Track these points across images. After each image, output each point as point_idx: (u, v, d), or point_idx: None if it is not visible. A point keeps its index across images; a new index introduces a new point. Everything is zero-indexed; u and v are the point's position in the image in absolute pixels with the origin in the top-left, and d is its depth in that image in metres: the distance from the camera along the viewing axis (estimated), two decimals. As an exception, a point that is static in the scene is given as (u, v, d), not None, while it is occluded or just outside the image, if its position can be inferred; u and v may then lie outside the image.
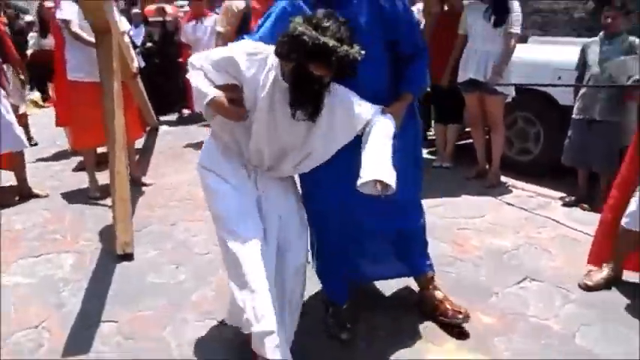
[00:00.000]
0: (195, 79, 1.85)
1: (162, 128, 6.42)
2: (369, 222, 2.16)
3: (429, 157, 5.26)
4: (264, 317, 1.73)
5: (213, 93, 1.79)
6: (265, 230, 1.92)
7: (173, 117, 7.36)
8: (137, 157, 4.78)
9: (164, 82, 6.62)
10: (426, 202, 3.70)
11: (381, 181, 1.75)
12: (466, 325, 2.25)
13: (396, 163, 1.83)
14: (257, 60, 1.81)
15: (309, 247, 2.19)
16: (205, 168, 2.00)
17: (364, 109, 1.90)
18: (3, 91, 3.96)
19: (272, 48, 1.77)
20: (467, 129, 5.19)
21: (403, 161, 1.97)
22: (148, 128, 5.49)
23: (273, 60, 1.79)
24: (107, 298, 2.55)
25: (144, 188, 4.27)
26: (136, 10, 7.31)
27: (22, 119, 5.26)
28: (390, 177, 1.76)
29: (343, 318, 2.27)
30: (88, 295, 2.58)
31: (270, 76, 1.79)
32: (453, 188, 4.16)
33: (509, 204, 3.87)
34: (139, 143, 4.98)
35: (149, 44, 6.82)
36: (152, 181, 4.42)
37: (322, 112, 1.81)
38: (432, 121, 5.25)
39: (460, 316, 2.23)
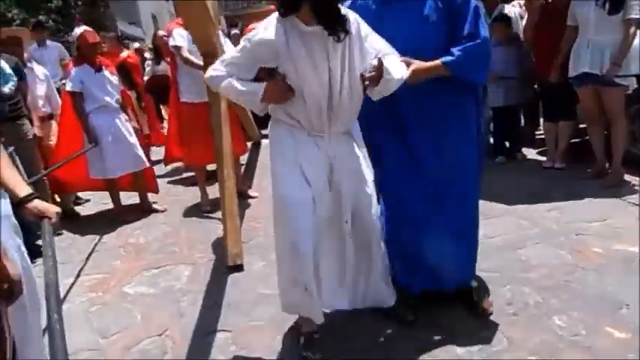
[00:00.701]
0: (233, 87, 2.02)
1: (264, 142, 6.68)
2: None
3: (539, 157, 4.93)
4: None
5: (259, 88, 1.98)
6: (340, 192, 2.11)
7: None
8: (242, 170, 5.02)
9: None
10: (538, 207, 3.54)
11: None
12: (595, 342, 2.05)
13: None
14: (267, 29, 1.99)
15: None
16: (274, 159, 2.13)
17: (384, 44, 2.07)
18: (126, 115, 4.38)
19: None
20: (580, 125, 4.81)
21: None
22: (250, 142, 5.75)
23: (275, 22, 1.96)
24: (221, 308, 2.68)
25: (249, 200, 4.46)
26: (235, 31, 7.73)
27: (145, 139, 5.89)
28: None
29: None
30: (204, 305, 2.73)
31: (287, 31, 1.94)
32: (568, 190, 3.84)
33: (634, 204, 3.49)
34: (243, 157, 5.23)
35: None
36: (256, 194, 4.61)
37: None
38: (541, 120, 4.93)
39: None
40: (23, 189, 1.44)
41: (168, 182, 5.52)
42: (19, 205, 1.45)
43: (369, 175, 2.19)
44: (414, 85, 2.05)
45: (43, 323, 1.71)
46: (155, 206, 4.54)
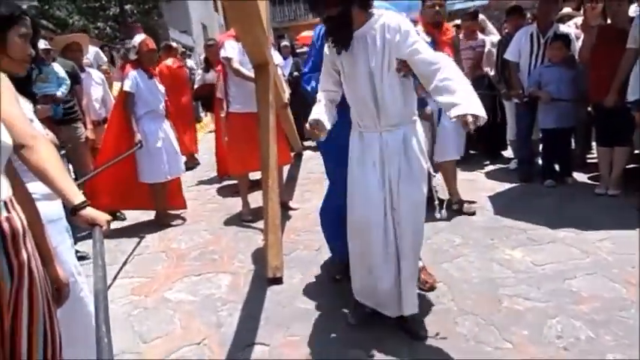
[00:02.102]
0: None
1: (306, 153, 6.71)
2: None
3: (591, 182, 4.73)
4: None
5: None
6: (389, 179, 2.32)
7: (315, 142, 7.65)
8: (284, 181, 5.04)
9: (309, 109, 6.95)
10: (589, 236, 3.38)
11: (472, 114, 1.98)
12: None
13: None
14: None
15: None
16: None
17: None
18: (169, 122, 4.51)
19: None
20: (636, 151, 4.60)
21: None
22: (293, 154, 5.78)
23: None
24: (260, 320, 2.68)
25: (290, 212, 4.47)
26: (285, 43, 7.84)
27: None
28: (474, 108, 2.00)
29: None
30: (242, 317, 2.73)
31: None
32: (623, 219, 3.65)
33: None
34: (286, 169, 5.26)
35: (296, 73, 7.23)
36: (298, 206, 4.61)
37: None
38: (593, 144, 4.73)
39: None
40: (77, 196, 1.47)
41: (211, 189, 5.60)
42: (72, 212, 1.48)
43: (417, 172, 2.34)
44: None
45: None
46: (174, 222, 4.56)
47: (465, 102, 2.02)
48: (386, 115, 2.30)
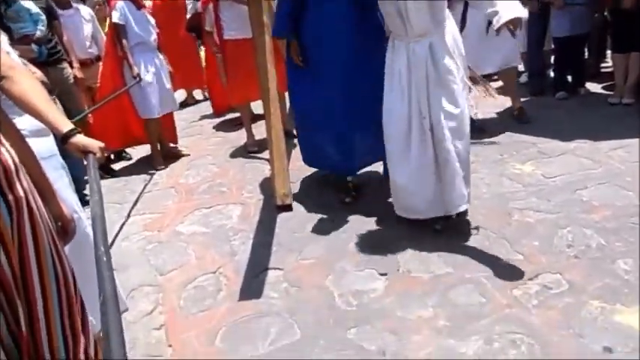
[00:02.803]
0: None
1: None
2: None
3: (605, 92, 4.58)
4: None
5: None
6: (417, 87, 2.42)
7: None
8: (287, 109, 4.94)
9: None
10: (603, 145, 3.31)
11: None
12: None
13: None
14: None
15: None
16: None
17: None
18: (163, 57, 4.36)
19: None
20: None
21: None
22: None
23: None
24: (272, 246, 2.71)
25: (295, 140, 4.40)
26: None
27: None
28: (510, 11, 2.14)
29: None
30: (255, 244, 2.77)
31: None
32: (637, 127, 3.56)
33: None
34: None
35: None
36: (303, 133, 4.54)
37: None
38: (608, 52, 4.53)
39: None
40: (65, 125, 1.42)
41: (214, 126, 5.53)
42: (62, 140, 1.45)
43: (447, 78, 2.39)
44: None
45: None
46: (181, 150, 4.59)
47: (502, 9, 2.16)
48: (411, 26, 2.38)
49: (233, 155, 4.37)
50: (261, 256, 2.62)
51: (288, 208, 3.10)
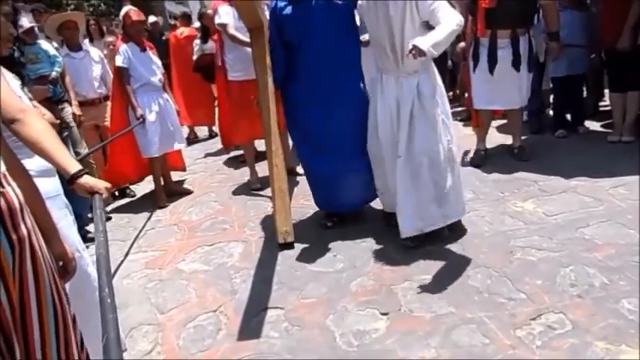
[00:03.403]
0: None
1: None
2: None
3: (604, 130, 4.63)
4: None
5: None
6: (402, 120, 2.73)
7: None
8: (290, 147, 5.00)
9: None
10: (603, 183, 3.32)
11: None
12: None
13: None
14: None
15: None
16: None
17: None
18: (167, 95, 4.47)
19: None
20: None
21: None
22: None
23: None
24: (273, 285, 2.70)
25: (298, 178, 4.44)
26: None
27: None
28: (423, 43, 2.32)
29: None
30: (256, 282, 2.76)
31: None
32: (637, 164, 3.57)
33: None
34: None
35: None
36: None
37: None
38: (605, 91, 4.60)
39: None
40: (74, 166, 1.47)
41: (224, 162, 5.59)
42: (69, 182, 1.48)
43: (431, 115, 2.71)
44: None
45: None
46: (184, 187, 4.68)
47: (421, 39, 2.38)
48: (403, 63, 2.66)
49: (236, 192, 4.40)
50: (262, 295, 2.61)
51: (289, 246, 3.10)
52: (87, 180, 1.53)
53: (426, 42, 2.34)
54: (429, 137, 2.70)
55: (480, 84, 4.01)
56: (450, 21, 2.46)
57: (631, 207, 2.98)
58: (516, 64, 3.82)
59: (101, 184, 1.56)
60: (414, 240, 2.83)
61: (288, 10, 2.93)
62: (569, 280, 2.34)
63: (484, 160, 4.18)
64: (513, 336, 2.03)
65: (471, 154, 4.32)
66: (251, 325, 2.36)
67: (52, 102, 3.58)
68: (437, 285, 2.46)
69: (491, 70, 3.85)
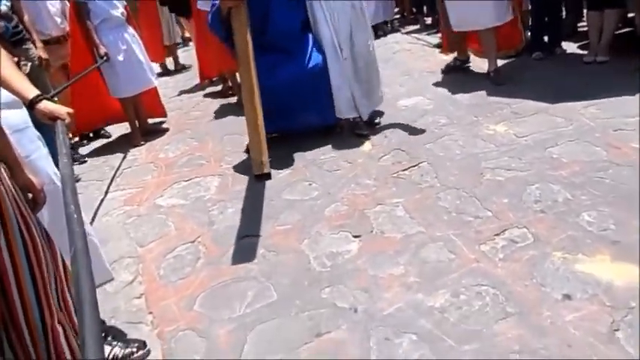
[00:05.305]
0: None
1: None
2: None
3: (580, 51, 4.60)
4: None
5: None
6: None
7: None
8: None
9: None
10: (575, 104, 3.36)
11: None
12: (624, 237, 2.01)
13: None
14: None
15: None
16: None
17: None
18: (132, 30, 4.29)
19: None
20: (629, 14, 4.41)
21: None
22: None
23: None
24: (249, 214, 2.75)
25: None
26: None
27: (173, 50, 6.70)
28: None
29: None
30: (232, 213, 2.81)
31: None
32: (610, 85, 3.59)
33: (683, 98, 3.25)
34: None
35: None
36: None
37: None
38: (584, 10, 4.53)
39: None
40: (31, 91, 1.45)
41: (193, 97, 5.50)
42: (29, 107, 1.47)
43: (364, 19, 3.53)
44: None
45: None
46: (160, 125, 4.61)
47: None
48: None
49: (212, 128, 4.37)
50: (239, 224, 2.67)
51: (266, 176, 3.13)
52: (46, 104, 1.51)
53: None
54: (365, 42, 3.49)
55: (451, 5, 4.10)
56: None
57: (599, 126, 3.03)
58: None
59: (63, 109, 1.54)
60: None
61: None
62: (534, 197, 2.42)
63: (455, 70, 4.63)
64: (478, 251, 2.12)
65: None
66: (228, 253, 2.43)
67: (9, 41, 3.39)
68: (408, 207, 2.53)
69: None
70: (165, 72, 7.22)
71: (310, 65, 3.43)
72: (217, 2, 3.19)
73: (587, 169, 2.58)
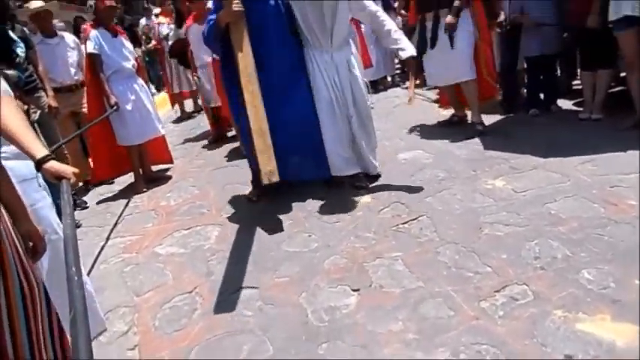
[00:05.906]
0: None
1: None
2: None
3: (576, 108, 4.71)
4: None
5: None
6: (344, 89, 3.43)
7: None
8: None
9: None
10: (572, 160, 3.41)
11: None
12: (624, 296, 2.00)
13: None
14: None
15: None
16: None
17: None
18: (142, 81, 4.44)
19: None
20: (621, 74, 4.55)
21: None
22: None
23: None
24: (248, 265, 2.74)
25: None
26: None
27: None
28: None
29: None
30: (231, 263, 2.80)
31: None
32: (605, 142, 3.66)
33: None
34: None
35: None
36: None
37: None
38: (578, 69, 4.68)
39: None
40: (40, 151, 1.49)
41: (196, 145, 5.60)
42: (36, 166, 1.51)
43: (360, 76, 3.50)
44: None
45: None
46: (163, 173, 4.68)
47: (405, 46, 3.33)
48: (334, 40, 3.32)
49: (214, 177, 4.42)
50: (237, 275, 2.65)
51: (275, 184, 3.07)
52: (52, 165, 1.55)
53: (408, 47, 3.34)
54: (363, 99, 3.50)
55: (427, 63, 4.66)
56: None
57: (596, 182, 3.07)
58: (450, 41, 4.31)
59: (68, 169, 1.58)
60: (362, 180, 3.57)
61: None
62: (534, 253, 2.42)
63: (453, 125, 4.81)
64: (477, 307, 2.10)
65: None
66: (225, 304, 2.41)
67: (21, 89, 3.49)
68: (407, 261, 2.53)
69: (427, 49, 4.50)
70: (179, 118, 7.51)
71: (301, 119, 3.41)
72: (213, 18, 3.19)
73: (586, 225, 2.60)
